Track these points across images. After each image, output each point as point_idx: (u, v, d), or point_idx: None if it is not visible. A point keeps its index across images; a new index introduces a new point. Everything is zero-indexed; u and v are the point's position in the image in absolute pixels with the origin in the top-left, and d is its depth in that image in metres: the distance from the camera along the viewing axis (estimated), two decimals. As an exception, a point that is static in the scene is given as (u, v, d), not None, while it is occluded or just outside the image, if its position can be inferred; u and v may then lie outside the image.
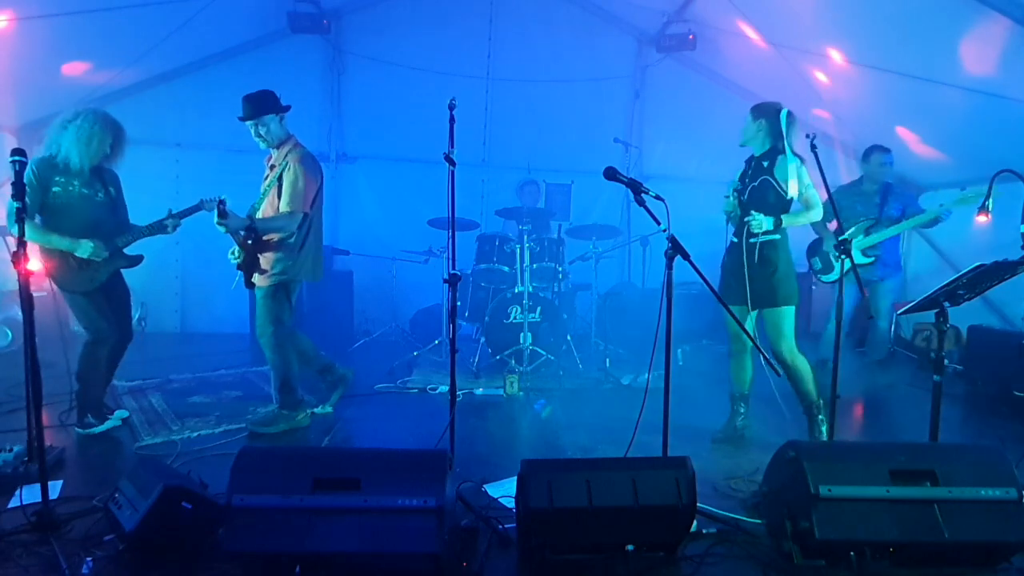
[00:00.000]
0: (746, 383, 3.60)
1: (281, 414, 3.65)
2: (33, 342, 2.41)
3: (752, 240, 3.35)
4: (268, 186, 3.58)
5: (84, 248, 3.29)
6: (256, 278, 3.60)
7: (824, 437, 3.34)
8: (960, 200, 4.21)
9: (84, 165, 3.32)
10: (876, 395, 4.65)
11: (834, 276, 4.54)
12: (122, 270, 3.59)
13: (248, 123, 3.54)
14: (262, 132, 3.54)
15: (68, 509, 2.53)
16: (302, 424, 3.70)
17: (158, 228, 3.51)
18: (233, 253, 3.59)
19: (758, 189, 3.35)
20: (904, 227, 4.50)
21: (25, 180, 3.11)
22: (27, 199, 3.02)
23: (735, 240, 3.46)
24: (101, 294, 3.44)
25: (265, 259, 3.56)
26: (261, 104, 3.51)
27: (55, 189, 3.29)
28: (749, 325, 3.40)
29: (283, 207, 3.49)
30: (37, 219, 3.29)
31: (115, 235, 3.46)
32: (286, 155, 3.56)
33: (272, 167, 3.63)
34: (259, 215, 3.62)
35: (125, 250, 3.51)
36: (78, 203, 3.34)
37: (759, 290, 3.34)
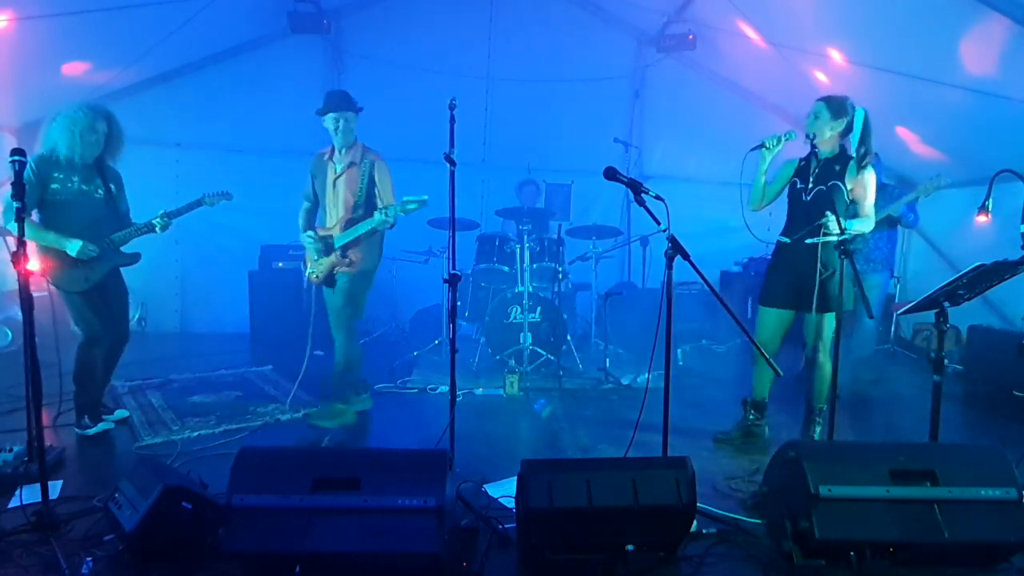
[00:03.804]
0: (768, 388, 3.51)
1: (336, 408, 3.74)
2: (33, 342, 2.41)
3: (810, 241, 3.19)
4: (342, 182, 3.70)
5: (73, 246, 3.27)
6: (342, 268, 3.75)
7: (817, 438, 3.33)
8: (916, 195, 4.26)
9: (76, 156, 3.30)
10: (874, 395, 4.66)
11: None
12: (121, 269, 3.58)
13: (335, 116, 3.63)
14: (348, 126, 3.65)
15: (68, 509, 2.53)
16: (349, 421, 3.77)
17: (147, 228, 3.51)
18: (313, 265, 3.79)
19: (826, 193, 3.18)
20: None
21: (24, 177, 3.13)
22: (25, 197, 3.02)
23: (787, 241, 3.31)
24: (97, 293, 3.43)
25: (355, 252, 3.73)
26: (352, 101, 3.66)
27: (54, 186, 3.27)
28: (782, 327, 3.37)
29: (388, 201, 3.72)
30: (35, 216, 3.28)
31: (111, 233, 3.44)
32: (364, 154, 3.73)
33: (352, 164, 3.71)
34: (335, 211, 3.75)
35: (123, 248, 3.50)
36: (76, 200, 3.33)
37: (822, 293, 3.17)
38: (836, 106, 3.21)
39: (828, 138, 3.23)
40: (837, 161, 3.23)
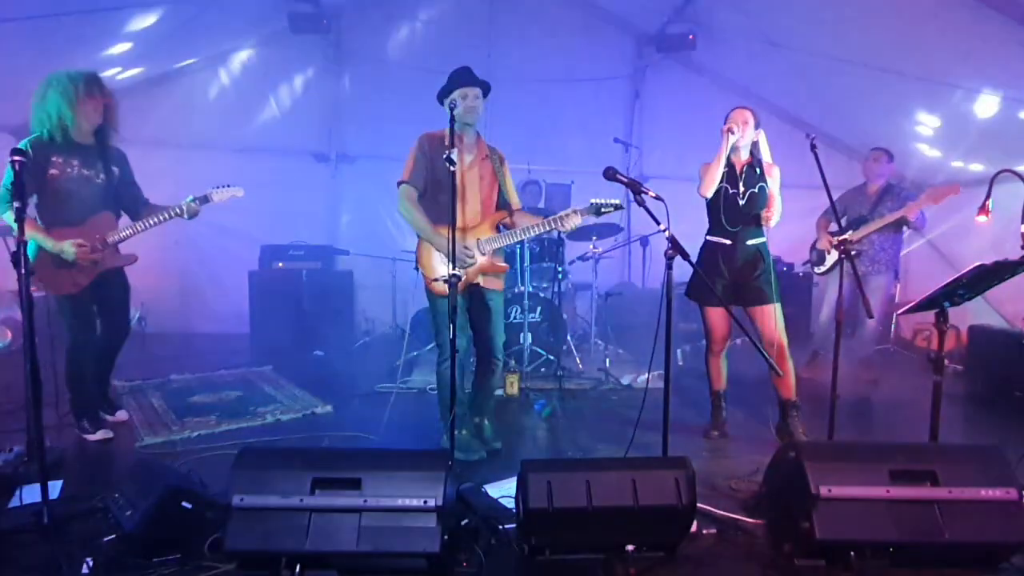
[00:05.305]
0: (726, 379, 3.69)
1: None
2: (33, 342, 2.40)
3: (750, 243, 3.42)
4: (474, 176, 3.25)
5: (68, 252, 3.17)
6: (490, 281, 3.33)
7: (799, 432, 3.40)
8: (923, 200, 4.27)
9: (83, 125, 3.15)
10: (874, 395, 4.65)
11: (823, 269, 4.81)
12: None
13: (464, 91, 3.25)
14: (474, 105, 3.24)
15: (68, 509, 2.52)
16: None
17: (176, 212, 3.41)
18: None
19: (758, 195, 3.40)
20: (875, 225, 4.52)
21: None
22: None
23: (727, 243, 3.45)
24: (89, 296, 3.33)
25: (501, 265, 3.36)
26: (476, 76, 3.30)
27: (53, 171, 3.14)
28: (729, 323, 3.49)
29: (515, 203, 3.42)
30: (33, 199, 3.13)
31: (110, 228, 3.34)
32: (490, 149, 3.39)
33: (485, 158, 3.33)
34: (468, 207, 3.23)
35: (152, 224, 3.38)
36: (76, 187, 3.20)
37: (756, 289, 3.41)
38: (757, 119, 3.43)
39: (744, 146, 3.43)
40: (755, 165, 3.45)
